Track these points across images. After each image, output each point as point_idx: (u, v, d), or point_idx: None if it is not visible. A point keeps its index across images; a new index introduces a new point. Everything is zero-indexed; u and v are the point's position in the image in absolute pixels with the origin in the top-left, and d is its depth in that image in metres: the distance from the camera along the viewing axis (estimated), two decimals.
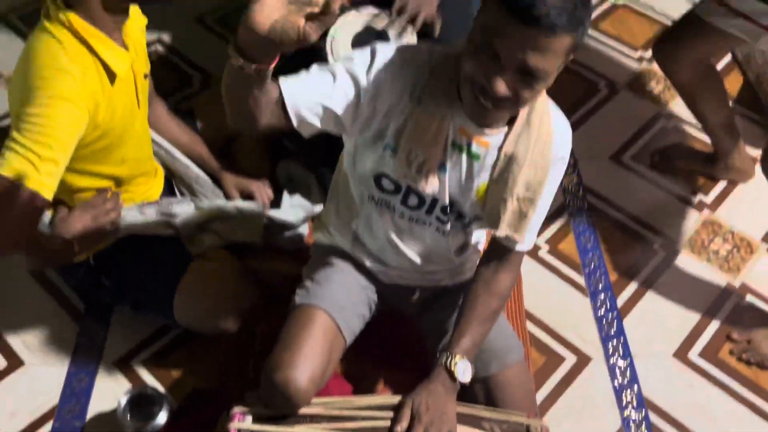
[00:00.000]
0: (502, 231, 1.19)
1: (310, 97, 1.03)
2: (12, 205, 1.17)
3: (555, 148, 1.16)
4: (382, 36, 1.59)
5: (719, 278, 1.86)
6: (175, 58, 2.33)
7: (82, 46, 1.23)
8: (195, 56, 2.33)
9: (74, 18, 1.21)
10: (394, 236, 1.28)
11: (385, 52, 1.08)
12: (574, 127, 2.14)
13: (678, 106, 2.27)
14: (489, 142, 1.14)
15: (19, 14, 2.43)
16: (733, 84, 2.34)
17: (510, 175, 1.15)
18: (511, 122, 1.14)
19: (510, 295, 1.32)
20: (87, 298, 1.67)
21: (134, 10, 1.35)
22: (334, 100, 1.04)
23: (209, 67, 2.30)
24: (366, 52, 1.08)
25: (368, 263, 1.36)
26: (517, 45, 0.95)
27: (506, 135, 1.14)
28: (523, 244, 1.23)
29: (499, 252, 1.26)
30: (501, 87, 0.98)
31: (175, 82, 2.23)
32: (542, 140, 1.14)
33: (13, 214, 1.18)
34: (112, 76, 1.29)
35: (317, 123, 1.05)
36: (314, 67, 1.05)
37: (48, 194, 1.20)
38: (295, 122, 1.02)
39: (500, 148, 1.14)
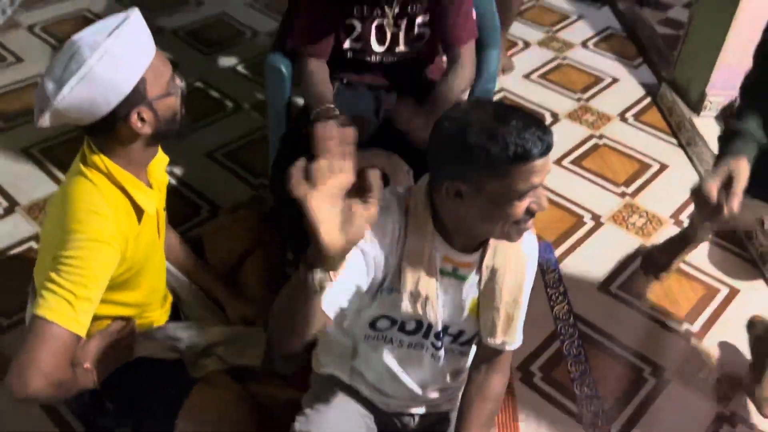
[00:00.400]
0: (498, 338, 1.27)
1: (344, 287, 1.10)
2: (49, 345, 1.20)
3: (525, 250, 1.26)
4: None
5: (710, 406, 1.89)
6: (185, 189, 2.46)
7: (115, 188, 1.32)
8: (203, 188, 2.47)
9: (109, 162, 1.30)
10: (391, 366, 1.33)
11: None
12: (563, 257, 2.29)
13: (662, 239, 2.39)
14: (471, 262, 1.23)
15: (40, 148, 2.59)
16: None
17: (496, 286, 1.24)
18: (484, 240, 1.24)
19: (503, 394, 1.36)
20: (88, 423, 1.68)
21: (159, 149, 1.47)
22: (359, 278, 1.13)
23: (216, 198, 2.43)
24: None
25: (367, 393, 1.40)
26: (545, 170, 1.08)
27: (483, 251, 1.24)
28: (513, 344, 1.30)
29: (490, 355, 1.32)
30: (546, 200, 1.11)
31: (184, 211, 2.35)
32: (514, 246, 1.23)
33: (49, 353, 1.20)
34: (140, 214, 1.37)
35: (347, 303, 1.12)
36: None
37: (82, 332, 1.24)
38: (332, 316, 1.08)
39: (481, 265, 1.24)
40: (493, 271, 1.23)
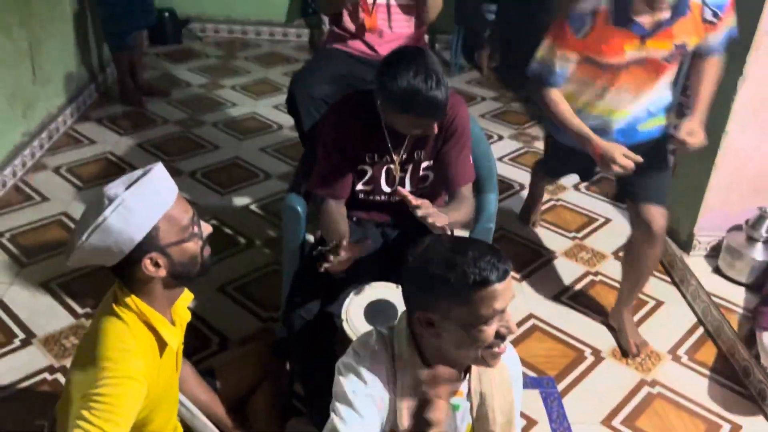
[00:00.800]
0: None
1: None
2: None
3: (510, 371, 1.33)
4: (389, 307, 1.81)
5: None
6: (196, 321, 2.53)
7: (143, 325, 1.39)
8: (214, 320, 2.54)
9: (139, 302, 1.38)
10: None
11: (354, 364, 1.26)
12: (566, 392, 2.32)
13: (660, 375, 2.43)
14: (461, 390, 1.30)
15: (58, 282, 2.69)
16: (708, 355, 2.54)
17: (488, 410, 1.30)
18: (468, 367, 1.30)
19: None
20: None
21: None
22: (378, 423, 1.22)
23: (226, 331, 2.50)
24: (350, 376, 1.25)
25: None
26: (507, 296, 1.18)
27: (469, 378, 1.30)
28: None
29: None
30: (515, 324, 1.20)
31: (195, 343, 2.41)
32: (498, 369, 1.29)
33: None
34: (162, 348, 1.44)
35: None
36: (342, 419, 1.22)
37: None
38: None
39: (470, 392, 1.30)
40: (482, 396, 1.30)
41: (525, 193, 3.56)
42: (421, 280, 1.18)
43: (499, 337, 1.19)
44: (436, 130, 1.84)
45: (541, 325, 2.62)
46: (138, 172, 1.36)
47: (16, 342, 2.39)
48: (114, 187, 1.33)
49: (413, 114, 1.77)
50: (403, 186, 2.03)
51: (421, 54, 1.76)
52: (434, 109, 1.75)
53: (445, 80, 1.75)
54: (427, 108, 1.74)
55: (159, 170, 1.36)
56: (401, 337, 1.27)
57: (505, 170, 3.72)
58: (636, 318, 2.70)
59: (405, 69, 1.72)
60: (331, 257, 1.73)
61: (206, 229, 1.44)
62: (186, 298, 1.57)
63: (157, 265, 1.35)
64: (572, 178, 3.71)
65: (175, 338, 1.47)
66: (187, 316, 1.60)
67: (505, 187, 3.58)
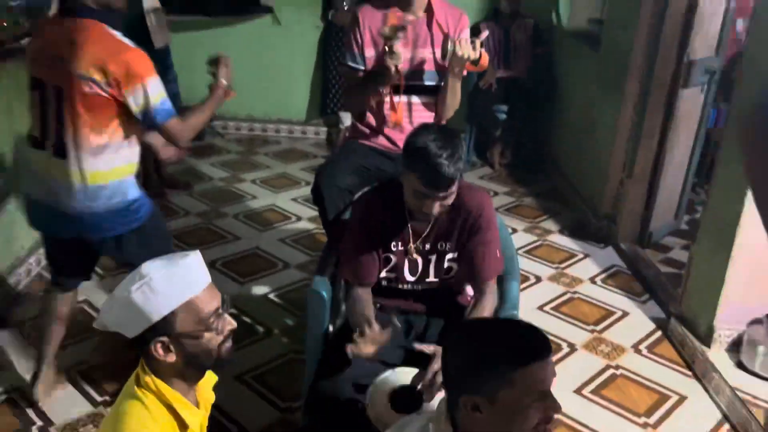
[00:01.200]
0: None
1: None
2: None
3: None
4: (416, 393, 1.81)
5: None
6: (214, 410, 2.48)
7: (163, 406, 1.39)
8: (232, 410, 2.51)
9: (159, 382, 1.39)
10: None
11: None
12: None
13: None
14: None
15: (78, 369, 2.68)
16: None
17: None
18: None
19: None
20: None
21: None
22: None
23: (244, 421, 2.46)
24: None
25: None
26: (551, 374, 1.20)
27: None
28: None
29: None
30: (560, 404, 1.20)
31: None
32: None
33: None
34: (183, 430, 1.42)
35: None
36: None
37: None
38: None
39: None
40: None
41: (542, 285, 3.59)
42: (466, 363, 1.20)
43: (547, 417, 1.19)
44: (435, 211, 1.86)
45: (564, 419, 2.57)
46: (176, 256, 1.40)
47: (34, 430, 2.37)
48: (149, 265, 1.37)
49: (417, 175, 1.81)
50: (427, 275, 2.07)
51: (451, 132, 1.88)
52: (436, 176, 1.78)
53: (461, 163, 1.81)
54: (430, 173, 1.79)
55: (194, 258, 1.40)
56: (440, 424, 1.26)
57: (521, 263, 3.75)
58: (659, 413, 2.66)
59: (428, 133, 1.84)
60: (357, 339, 1.75)
61: (229, 324, 1.44)
62: (209, 379, 1.57)
63: (168, 350, 1.36)
64: (586, 269, 3.74)
65: (197, 419, 1.46)
66: (212, 398, 1.60)
67: (521, 278, 3.60)
